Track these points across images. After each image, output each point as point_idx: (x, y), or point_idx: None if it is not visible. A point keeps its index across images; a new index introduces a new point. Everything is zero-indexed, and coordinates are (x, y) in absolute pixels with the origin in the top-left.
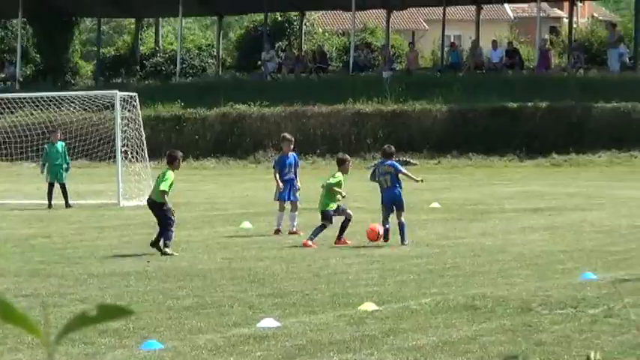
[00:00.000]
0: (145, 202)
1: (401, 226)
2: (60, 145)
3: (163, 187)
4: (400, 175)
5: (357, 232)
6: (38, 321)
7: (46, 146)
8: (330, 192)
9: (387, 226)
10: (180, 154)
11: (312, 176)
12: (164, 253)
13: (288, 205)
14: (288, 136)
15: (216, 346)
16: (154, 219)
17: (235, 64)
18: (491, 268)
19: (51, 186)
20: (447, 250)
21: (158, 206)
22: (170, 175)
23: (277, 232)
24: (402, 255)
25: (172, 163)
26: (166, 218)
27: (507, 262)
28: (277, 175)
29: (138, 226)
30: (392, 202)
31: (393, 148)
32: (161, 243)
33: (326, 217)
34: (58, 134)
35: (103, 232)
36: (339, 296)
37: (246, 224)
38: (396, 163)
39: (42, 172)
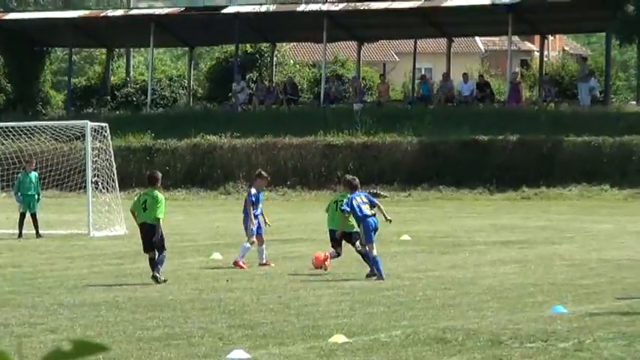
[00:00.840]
0: (114, 233)
1: (373, 259)
2: (33, 175)
3: (162, 213)
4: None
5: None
6: (9, 352)
7: (19, 175)
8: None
9: (373, 254)
10: (160, 174)
11: (283, 208)
12: (155, 278)
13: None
14: (264, 173)
15: None
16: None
17: (206, 95)
18: (462, 301)
19: (22, 216)
20: (417, 283)
21: (156, 230)
22: (163, 198)
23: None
24: (372, 287)
25: (156, 184)
26: (163, 241)
27: (478, 294)
28: (251, 210)
29: (108, 257)
30: (375, 229)
31: (357, 180)
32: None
33: (355, 237)
34: (33, 164)
35: (74, 262)
36: (309, 328)
37: (217, 255)
38: (370, 195)
39: (18, 201)
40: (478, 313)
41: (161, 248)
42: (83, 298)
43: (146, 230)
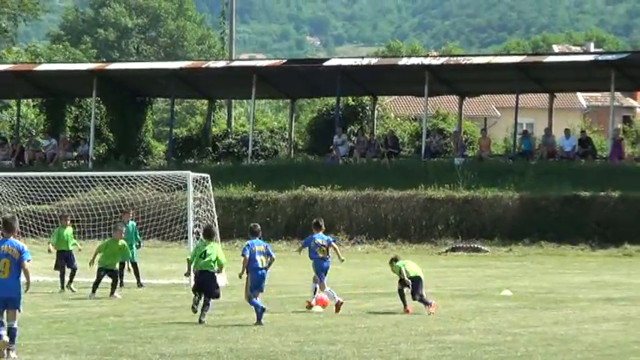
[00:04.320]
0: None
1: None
2: (131, 225)
3: (225, 261)
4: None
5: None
6: None
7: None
8: None
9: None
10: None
11: (384, 261)
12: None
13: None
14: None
15: None
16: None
17: (307, 147)
18: (564, 358)
19: (122, 265)
20: (519, 339)
21: (213, 279)
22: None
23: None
24: (474, 342)
25: (213, 237)
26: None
27: (580, 351)
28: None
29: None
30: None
31: (258, 226)
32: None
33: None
34: (130, 214)
35: (175, 312)
36: None
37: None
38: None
39: None
40: None
41: (213, 296)
42: (185, 349)
43: (206, 279)
